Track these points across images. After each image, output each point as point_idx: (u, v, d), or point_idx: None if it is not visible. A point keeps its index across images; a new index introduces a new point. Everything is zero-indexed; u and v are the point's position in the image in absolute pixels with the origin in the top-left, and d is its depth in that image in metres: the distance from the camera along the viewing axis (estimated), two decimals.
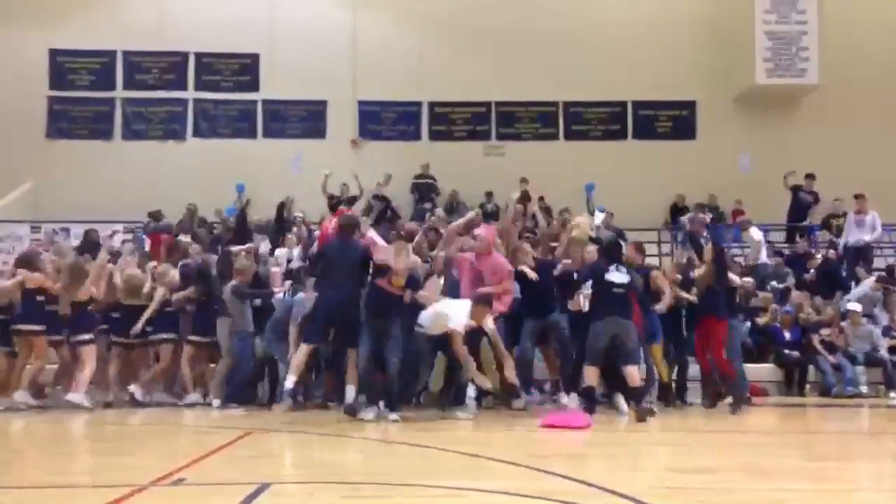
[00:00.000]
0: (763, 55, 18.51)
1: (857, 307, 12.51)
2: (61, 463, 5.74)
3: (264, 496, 4.15)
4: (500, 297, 8.77)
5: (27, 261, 9.95)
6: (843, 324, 12.53)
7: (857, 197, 15.17)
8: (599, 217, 13.44)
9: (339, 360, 8.96)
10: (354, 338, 8.14)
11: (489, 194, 18.28)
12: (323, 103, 19.74)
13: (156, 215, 16.34)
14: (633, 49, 19.22)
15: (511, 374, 8.51)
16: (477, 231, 9.39)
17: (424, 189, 18.40)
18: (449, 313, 7.86)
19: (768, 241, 16.55)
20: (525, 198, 17.87)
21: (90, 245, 13.77)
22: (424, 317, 7.97)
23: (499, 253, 9.15)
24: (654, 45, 19.32)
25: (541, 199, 17.63)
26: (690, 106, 19.91)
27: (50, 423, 8.63)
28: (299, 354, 8.38)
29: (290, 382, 8.28)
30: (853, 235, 14.95)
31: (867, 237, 14.87)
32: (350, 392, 8.03)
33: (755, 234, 14.89)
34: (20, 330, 9.62)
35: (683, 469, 5.47)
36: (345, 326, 8.26)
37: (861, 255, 14.73)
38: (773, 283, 14.42)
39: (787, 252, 15.82)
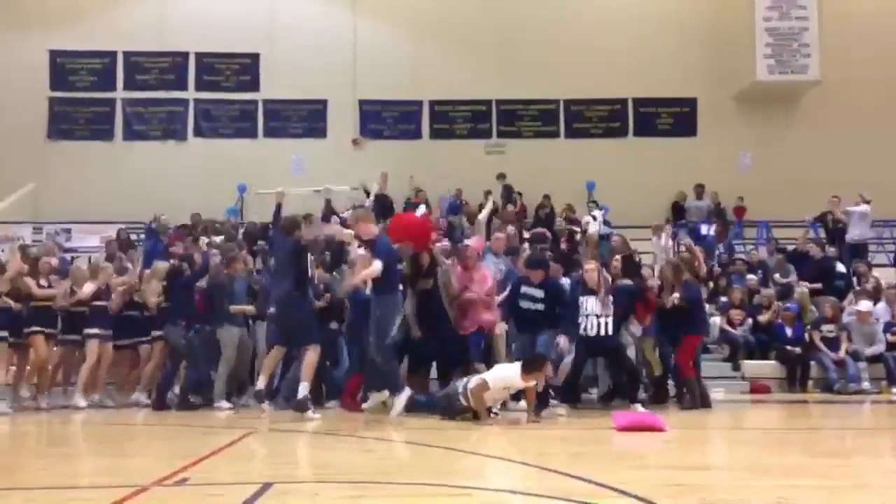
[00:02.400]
0: (764, 52, 18.49)
1: (868, 306, 12.48)
2: (65, 464, 5.74)
3: (268, 495, 4.14)
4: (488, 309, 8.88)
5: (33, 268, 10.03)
6: (846, 319, 12.51)
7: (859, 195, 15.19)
8: (601, 216, 13.43)
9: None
10: (299, 338, 8.24)
11: (488, 193, 18.28)
12: (323, 103, 19.74)
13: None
14: (633, 46, 19.21)
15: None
16: (467, 242, 9.37)
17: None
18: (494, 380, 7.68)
19: (771, 237, 16.55)
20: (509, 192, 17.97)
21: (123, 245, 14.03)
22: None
23: (485, 267, 9.10)
24: (655, 42, 19.31)
25: (545, 197, 17.73)
26: (691, 103, 19.89)
27: (52, 424, 8.63)
28: (269, 356, 8.51)
29: (261, 383, 8.37)
30: (848, 231, 14.96)
31: (866, 233, 14.85)
32: (302, 388, 8.03)
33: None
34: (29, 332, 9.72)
35: (688, 466, 5.46)
36: (284, 327, 8.38)
37: (857, 250, 14.71)
38: (777, 276, 14.42)
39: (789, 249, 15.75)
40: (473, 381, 7.70)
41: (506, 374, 7.67)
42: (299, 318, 8.23)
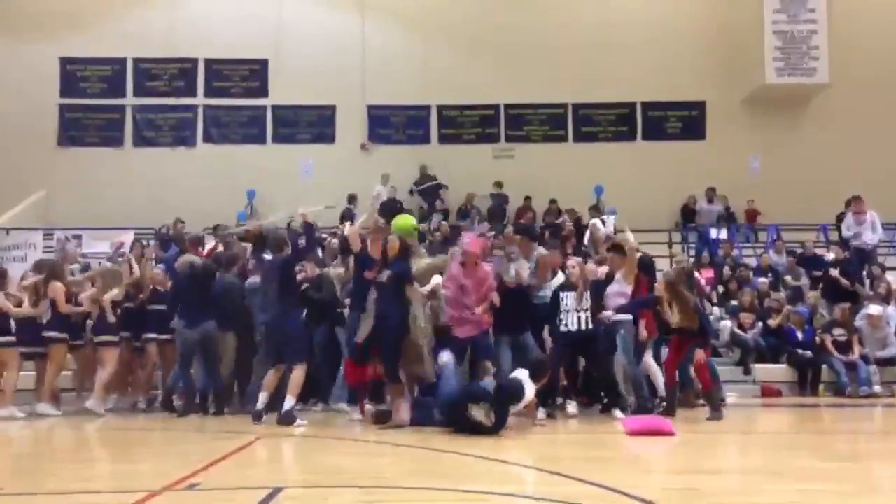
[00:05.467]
0: (773, 55, 18.40)
1: (879, 310, 12.41)
2: (77, 469, 5.76)
3: (277, 500, 4.15)
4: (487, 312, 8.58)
5: (54, 272, 10.01)
6: (858, 323, 12.45)
7: (854, 199, 15.06)
8: (611, 220, 13.33)
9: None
10: (290, 355, 8.24)
11: (501, 198, 18.38)
12: (332, 108, 19.78)
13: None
14: (641, 50, 19.18)
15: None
16: (464, 241, 9.19)
17: (429, 192, 18.43)
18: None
19: (780, 240, 16.46)
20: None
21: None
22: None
23: (485, 266, 8.89)
24: (663, 45, 19.26)
25: (553, 201, 17.76)
26: (700, 106, 19.83)
27: (64, 429, 8.66)
28: (270, 376, 8.46)
29: (260, 402, 8.35)
30: (855, 237, 14.84)
31: (870, 238, 14.73)
32: (287, 402, 8.04)
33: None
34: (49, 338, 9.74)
35: (699, 470, 5.44)
36: (275, 343, 8.42)
37: (865, 255, 14.62)
38: (788, 277, 14.36)
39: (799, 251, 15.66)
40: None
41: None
42: (291, 335, 8.30)
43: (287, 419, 7.94)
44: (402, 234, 8.54)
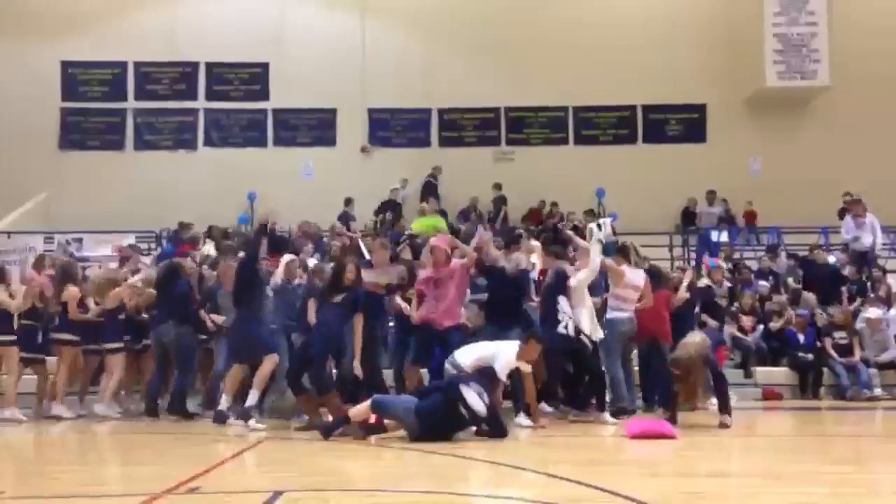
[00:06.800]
0: (773, 57, 18.44)
1: (878, 313, 12.40)
2: (78, 472, 5.76)
3: None
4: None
5: (67, 273, 9.99)
6: (858, 326, 12.44)
7: (854, 201, 15.03)
8: (607, 223, 13.30)
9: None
10: (250, 353, 8.33)
11: (501, 199, 18.38)
12: (333, 111, 19.79)
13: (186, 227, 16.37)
14: (642, 53, 19.18)
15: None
16: (432, 241, 9.19)
17: (429, 189, 18.45)
18: (494, 358, 7.55)
19: (779, 246, 16.43)
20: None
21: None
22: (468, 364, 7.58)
23: (456, 263, 8.82)
24: (664, 48, 19.27)
25: (554, 204, 17.77)
26: (701, 109, 19.85)
27: (65, 433, 8.66)
28: (230, 375, 8.52)
29: (223, 403, 8.41)
30: (854, 240, 14.81)
31: (869, 242, 14.70)
32: (251, 397, 8.11)
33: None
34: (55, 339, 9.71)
35: (700, 474, 5.44)
36: (233, 343, 8.60)
37: (864, 258, 14.60)
38: (790, 279, 14.34)
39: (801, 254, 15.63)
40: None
41: (509, 358, 7.57)
42: (247, 335, 8.31)
43: (244, 414, 8.04)
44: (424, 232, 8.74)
